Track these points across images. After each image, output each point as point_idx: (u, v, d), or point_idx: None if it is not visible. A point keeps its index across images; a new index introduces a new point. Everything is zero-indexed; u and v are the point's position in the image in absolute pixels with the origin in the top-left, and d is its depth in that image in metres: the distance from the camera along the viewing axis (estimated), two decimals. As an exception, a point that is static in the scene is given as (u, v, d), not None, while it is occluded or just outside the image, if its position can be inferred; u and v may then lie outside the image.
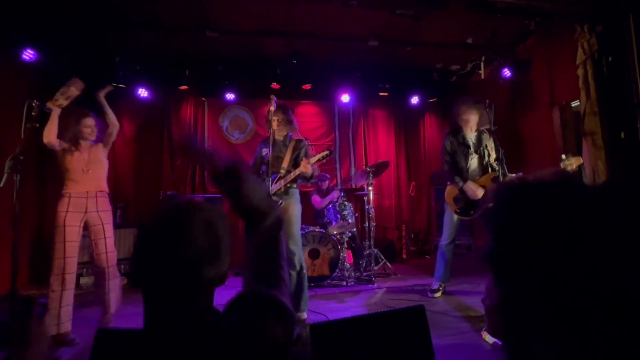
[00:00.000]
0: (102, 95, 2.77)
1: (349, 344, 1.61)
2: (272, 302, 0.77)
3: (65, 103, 2.57)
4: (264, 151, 3.05)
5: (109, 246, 2.69)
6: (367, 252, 4.37)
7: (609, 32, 3.28)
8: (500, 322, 0.58)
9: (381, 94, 5.49)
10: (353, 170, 5.85)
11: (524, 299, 0.50)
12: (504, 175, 3.00)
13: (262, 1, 3.67)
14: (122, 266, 3.54)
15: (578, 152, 3.79)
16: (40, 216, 4.19)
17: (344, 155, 5.92)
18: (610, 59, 3.29)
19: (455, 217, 3.31)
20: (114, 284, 2.71)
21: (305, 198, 5.12)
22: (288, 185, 2.96)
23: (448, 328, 2.59)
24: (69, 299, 2.52)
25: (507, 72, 4.50)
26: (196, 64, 4.85)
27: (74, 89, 2.61)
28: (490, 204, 0.56)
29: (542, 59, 4.21)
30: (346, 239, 4.24)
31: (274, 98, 2.65)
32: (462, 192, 3.25)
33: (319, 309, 3.16)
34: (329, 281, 3.98)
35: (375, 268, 4.36)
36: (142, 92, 4.84)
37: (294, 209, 2.95)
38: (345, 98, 5.39)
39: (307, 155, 3.05)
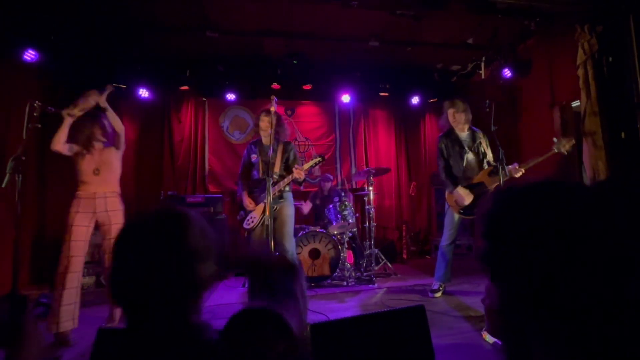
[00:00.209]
0: (103, 98, 2.75)
1: (349, 344, 1.61)
2: (274, 321, 0.75)
3: (79, 114, 2.63)
4: (253, 157, 3.17)
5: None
6: (368, 252, 4.37)
7: (610, 32, 3.28)
8: (500, 322, 0.59)
9: (382, 94, 5.50)
10: (353, 170, 5.85)
11: (522, 299, 0.50)
12: (505, 175, 3.01)
13: (262, 1, 3.67)
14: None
15: (578, 153, 3.80)
16: (41, 216, 4.20)
17: (344, 156, 5.93)
18: (610, 59, 3.30)
19: (456, 217, 3.32)
20: None
21: (305, 198, 5.14)
22: (282, 189, 3.07)
23: (448, 328, 2.59)
24: (70, 298, 2.51)
25: (507, 73, 4.50)
26: (197, 64, 4.86)
27: (91, 101, 2.65)
28: (488, 204, 0.56)
29: (543, 59, 4.22)
30: (347, 239, 4.24)
31: (274, 98, 2.65)
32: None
33: (319, 308, 3.16)
34: (329, 281, 3.99)
35: (376, 268, 4.37)
36: (143, 93, 4.84)
37: (288, 210, 3.09)
38: (345, 98, 5.39)
39: (296, 157, 3.16)
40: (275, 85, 5.06)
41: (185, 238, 0.70)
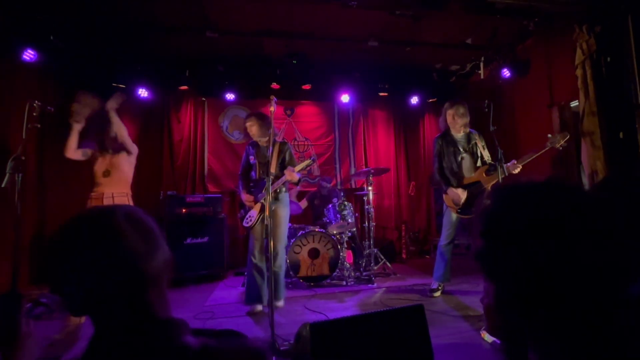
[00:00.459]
0: (112, 106, 2.86)
1: (348, 343, 1.62)
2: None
3: (83, 121, 2.76)
4: (251, 158, 3.28)
5: None
6: (367, 252, 4.38)
7: (608, 32, 3.29)
8: (498, 321, 0.59)
9: (381, 94, 5.50)
10: (353, 170, 5.86)
11: (519, 297, 0.50)
12: (503, 174, 3.02)
13: (262, 1, 3.67)
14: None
15: (577, 153, 3.81)
16: (41, 216, 4.20)
17: (343, 156, 5.93)
18: (609, 59, 3.30)
19: (454, 217, 3.34)
20: None
21: (302, 198, 5.15)
22: (277, 190, 3.14)
23: (447, 327, 2.60)
24: None
25: (506, 73, 4.51)
26: (196, 64, 4.86)
27: (88, 106, 2.76)
28: (485, 203, 0.56)
29: (541, 60, 4.23)
30: (346, 238, 4.25)
31: (273, 98, 2.66)
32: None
33: (318, 308, 3.17)
34: (328, 281, 3.99)
35: (375, 268, 4.37)
36: (143, 92, 4.84)
37: (283, 212, 3.17)
38: (345, 98, 5.40)
39: (292, 157, 3.24)
40: (274, 85, 5.06)
41: (114, 242, 0.67)
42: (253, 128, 3.20)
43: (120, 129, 2.89)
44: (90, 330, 0.68)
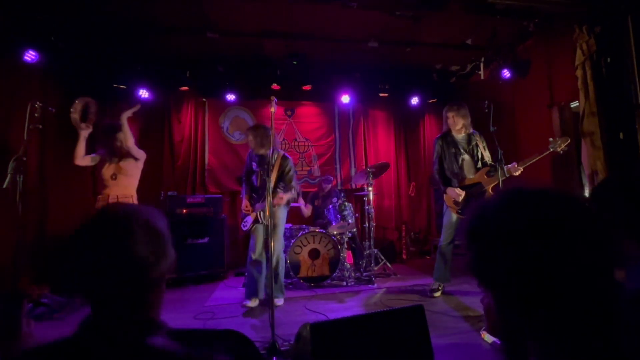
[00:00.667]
0: (126, 116, 3.05)
1: (348, 343, 1.62)
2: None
3: (88, 128, 2.94)
4: (253, 164, 3.45)
5: None
6: (367, 252, 4.38)
7: (608, 33, 3.29)
8: (498, 321, 0.59)
9: (381, 94, 5.51)
10: (353, 170, 5.87)
11: (518, 300, 0.50)
12: (503, 175, 3.03)
13: (262, 2, 3.68)
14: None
15: (577, 153, 3.81)
16: (43, 216, 4.20)
17: (344, 156, 5.94)
18: (609, 60, 3.30)
19: (454, 217, 3.34)
20: None
21: (305, 199, 5.15)
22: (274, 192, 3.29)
23: (447, 328, 2.60)
24: None
25: (506, 73, 4.51)
26: (197, 65, 4.87)
27: (88, 110, 2.94)
28: (474, 211, 0.56)
29: (542, 60, 4.23)
30: (346, 239, 4.26)
31: (274, 99, 2.67)
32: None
33: (319, 308, 3.17)
34: (329, 281, 4.00)
35: (375, 268, 4.38)
36: (143, 93, 4.85)
37: (281, 214, 3.36)
38: (345, 99, 5.40)
39: (290, 172, 3.37)
40: (275, 86, 5.07)
41: (126, 245, 0.69)
42: (250, 142, 3.39)
43: (127, 138, 3.04)
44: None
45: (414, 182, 6.07)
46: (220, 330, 0.80)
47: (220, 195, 4.87)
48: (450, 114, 3.41)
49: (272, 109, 2.61)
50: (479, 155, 3.39)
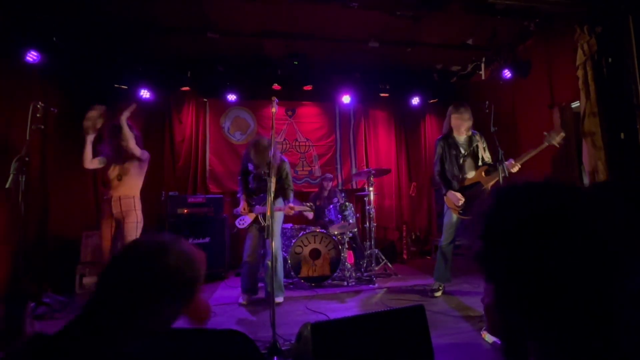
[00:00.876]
0: (125, 117, 3.10)
1: (349, 343, 1.62)
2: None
3: (95, 132, 3.03)
4: (250, 165, 3.51)
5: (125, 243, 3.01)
6: (368, 252, 4.39)
7: (609, 33, 3.29)
8: (498, 321, 0.59)
9: (382, 94, 5.51)
10: (354, 171, 5.87)
11: (519, 298, 0.50)
12: (504, 174, 3.02)
13: (262, 2, 3.69)
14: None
15: (578, 153, 3.81)
16: (44, 216, 4.21)
17: (344, 156, 5.94)
18: (609, 60, 3.30)
19: (455, 218, 3.34)
20: None
21: (306, 199, 5.16)
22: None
23: (448, 327, 2.60)
24: None
25: (507, 73, 4.51)
26: (197, 65, 4.87)
27: (98, 118, 3.01)
28: (483, 204, 0.56)
29: (542, 60, 4.22)
30: (347, 239, 4.26)
31: (275, 99, 2.68)
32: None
33: (319, 308, 3.17)
34: (329, 281, 4.00)
35: (376, 268, 4.38)
36: (144, 93, 4.86)
37: (278, 213, 3.45)
38: (346, 99, 5.41)
39: (288, 175, 3.50)
40: (275, 86, 5.08)
41: (157, 279, 0.73)
42: (252, 156, 3.45)
43: (129, 140, 3.09)
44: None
45: (414, 182, 6.07)
46: (221, 330, 0.81)
47: (221, 195, 4.88)
48: (454, 116, 3.39)
49: (273, 109, 2.62)
50: (480, 157, 3.39)
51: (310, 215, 4.87)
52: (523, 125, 4.60)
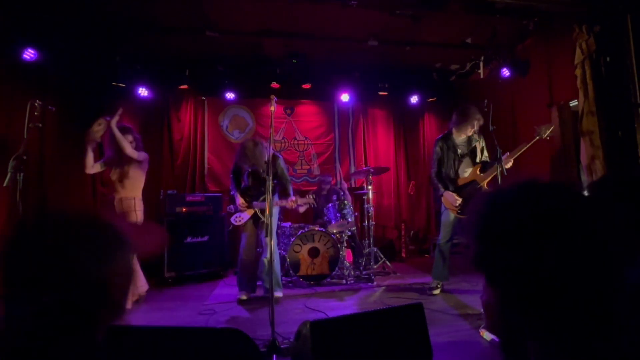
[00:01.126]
0: (114, 122, 3.15)
1: (348, 341, 1.63)
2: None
3: (98, 141, 3.12)
4: (245, 165, 3.55)
5: None
6: (367, 250, 4.39)
7: (607, 32, 3.29)
8: (497, 319, 0.59)
9: (381, 93, 5.51)
10: (353, 169, 5.87)
11: (518, 299, 0.50)
12: (503, 173, 3.03)
13: (262, 1, 3.68)
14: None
15: (576, 152, 3.82)
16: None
17: (343, 155, 5.94)
18: (608, 59, 3.31)
19: (452, 216, 3.36)
20: None
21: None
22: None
23: (446, 326, 2.61)
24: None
25: (506, 72, 4.52)
26: (196, 64, 4.86)
27: (102, 129, 3.09)
28: (478, 206, 0.56)
29: (541, 59, 4.23)
30: (346, 237, 4.26)
31: (274, 98, 2.67)
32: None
33: (318, 306, 3.18)
34: (328, 279, 4.01)
35: (375, 267, 4.39)
36: (143, 92, 4.84)
37: (273, 210, 3.39)
38: (344, 97, 5.40)
39: (283, 170, 3.54)
40: (274, 85, 5.06)
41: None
42: (247, 159, 3.49)
43: (124, 145, 3.15)
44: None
45: (413, 180, 6.08)
46: (221, 329, 0.81)
47: (219, 194, 4.88)
48: (477, 122, 3.25)
49: (272, 108, 2.62)
50: (478, 157, 3.39)
51: (302, 209, 4.88)
52: (522, 124, 4.61)
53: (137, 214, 3.27)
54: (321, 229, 4.12)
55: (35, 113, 2.29)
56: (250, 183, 3.56)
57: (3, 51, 3.68)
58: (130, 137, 3.29)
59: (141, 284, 3.44)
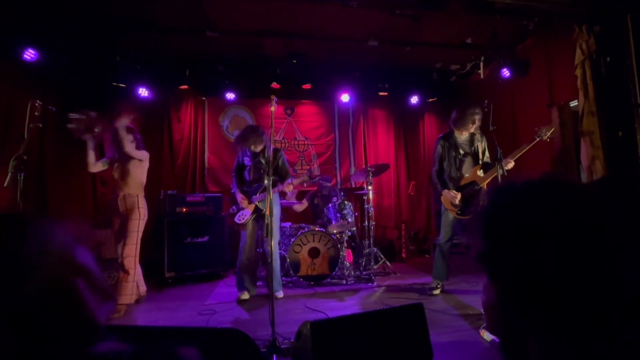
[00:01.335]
0: (122, 123, 3.20)
1: (348, 341, 1.63)
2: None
3: (93, 138, 3.11)
4: (246, 159, 3.61)
5: (127, 239, 3.19)
6: (367, 251, 4.39)
7: (607, 32, 3.29)
8: (497, 319, 0.59)
9: (381, 93, 5.51)
10: (353, 169, 5.87)
11: (519, 298, 0.50)
12: (503, 173, 3.03)
13: (262, 1, 3.68)
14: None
15: (576, 152, 3.82)
16: (42, 215, 4.21)
17: (343, 155, 5.94)
18: (608, 59, 3.31)
19: (451, 216, 3.36)
20: (122, 276, 3.14)
21: (304, 197, 5.16)
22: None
23: (446, 326, 2.61)
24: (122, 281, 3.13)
25: (506, 72, 4.52)
26: (196, 64, 4.86)
27: (88, 122, 3.05)
28: (482, 203, 0.56)
29: (541, 59, 4.23)
30: (346, 238, 4.26)
31: (274, 98, 2.67)
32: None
33: (318, 307, 3.18)
34: (328, 280, 4.01)
35: (375, 267, 4.39)
36: (143, 92, 4.85)
37: (275, 209, 3.47)
38: (345, 98, 5.40)
39: (284, 164, 3.59)
40: (275, 85, 5.06)
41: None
42: (246, 144, 3.54)
43: (127, 144, 3.18)
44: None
45: (413, 181, 6.08)
46: (222, 329, 0.81)
47: (220, 194, 4.87)
48: (478, 117, 3.25)
49: (272, 108, 2.62)
50: (480, 156, 3.39)
51: (298, 206, 4.87)
52: (522, 124, 4.61)
53: (140, 211, 3.30)
54: (321, 229, 4.12)
55: (36, 113, 2.29)
56: (251, 177, 3.59)
57: (3, 51, 3.69)
58: (131, 137, 3.31)
59: (140, 284, 3.46)
